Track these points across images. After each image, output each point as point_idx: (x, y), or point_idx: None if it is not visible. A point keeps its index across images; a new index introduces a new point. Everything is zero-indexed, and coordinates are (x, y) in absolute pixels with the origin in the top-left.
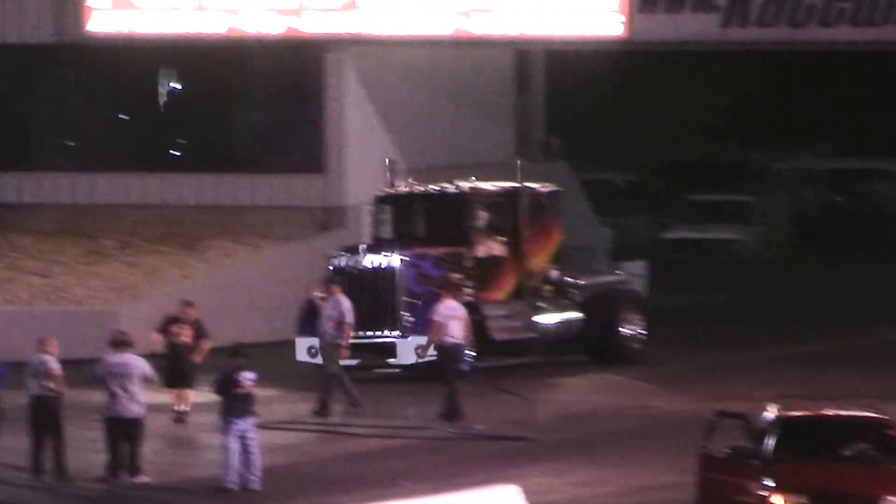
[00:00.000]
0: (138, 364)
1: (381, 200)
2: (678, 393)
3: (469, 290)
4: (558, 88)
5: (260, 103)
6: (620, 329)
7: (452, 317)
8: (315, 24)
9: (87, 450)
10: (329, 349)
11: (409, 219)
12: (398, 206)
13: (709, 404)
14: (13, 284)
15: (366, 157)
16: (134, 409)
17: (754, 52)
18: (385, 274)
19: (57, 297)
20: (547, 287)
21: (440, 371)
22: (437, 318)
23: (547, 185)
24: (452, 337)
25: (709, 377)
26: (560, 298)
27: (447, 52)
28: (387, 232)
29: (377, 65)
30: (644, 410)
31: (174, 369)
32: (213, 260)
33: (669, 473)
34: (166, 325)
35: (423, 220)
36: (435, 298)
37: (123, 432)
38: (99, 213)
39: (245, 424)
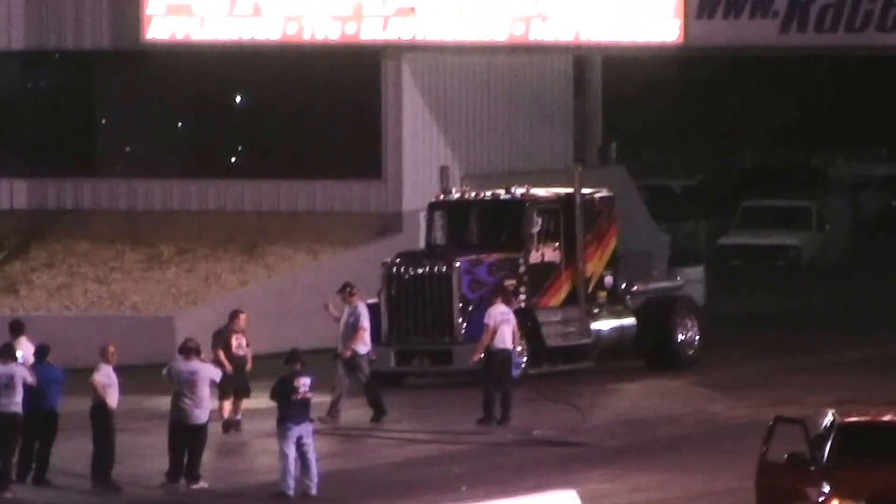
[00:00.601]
0: (206, 371)
1: (435, 207)
2: (736, 398)
3: (523, 297)
4: (617, 93)
5: (317, 109)
6: (675, 335)
7: (504, 321)
8: (372, 29)
9: (143, 456)
10: (355, 359)
11: (464, 225)
12: (452, 212)
13: (767, 409)
14: (71, 290)
15: (423, 163)
16: (201, 417)
17: (812, 57)
18: (440, 280)
19: (115, 303)
20: (601, 293)
21: (489, 376)
22: (490, 321)
23: (602, 190)
24: (503, 342)
25: (767, 383)
26: (615, 304)
27: (504, 58)
28: (441, 238)
29: (434, 70)
30: (702, 416)
31: (230, 379)
32: (272, 266)
33: (728, 479)
34: (220, 340)
35: (477, 227)
36: (489, 304)
37: (188, 439)
38: (157, 220)
39: (302, 430)
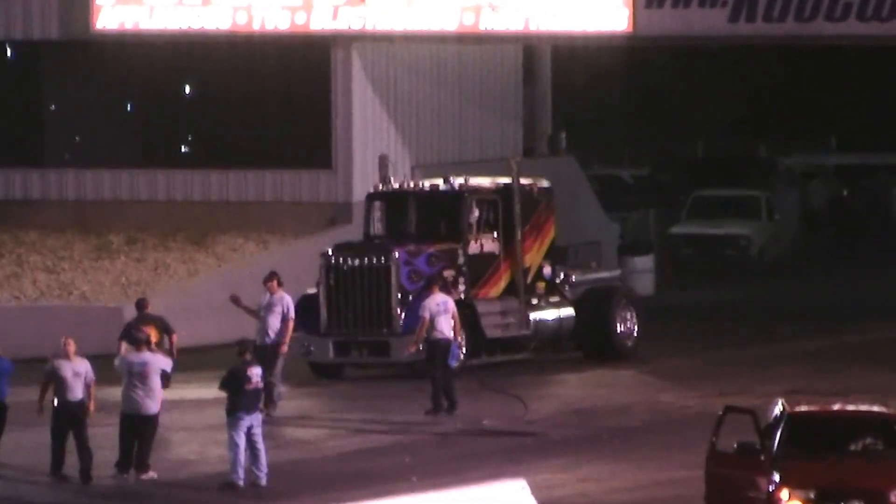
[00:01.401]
0: (158, 361)
1: (374, 197)
2: (686, 388)
3: (462, 287)
4: (566, 83)
5: (267, 98)
6: (614, 326)
7: (442, 312)
8: (322, 19)
9: (93, 447)
10: (271, 349)
11: (402, 215)
12: (391, 202)
13: (716, 400)
14: (20, 280)
15: (373, 153)
16: (152, 407)
17: (762, 46)
18: (378, 271)
19: (64, 293)
20: (540, 284)
21: (434, 367)
22: (424, 313)
23: (540, 180)
24: (441, 332)
25: (717, 373)
26: (553, 295)
27: (454, 47)
28: (380, 229)
29: (384, 60)
30: (652, 406)
31: None
32: (221, 256)
33: (678, 468)
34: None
35: (416, 217)
36: (425, 294)
37: (137, 429)
38: (106, 209)
39: (253, 419)
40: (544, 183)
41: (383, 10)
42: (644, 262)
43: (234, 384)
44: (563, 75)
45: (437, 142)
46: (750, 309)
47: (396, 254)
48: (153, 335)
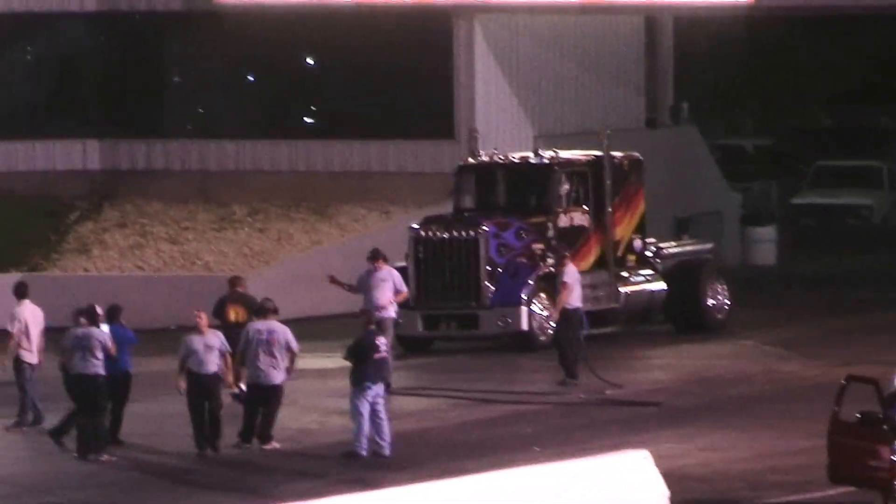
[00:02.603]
0: (283, 331)
1: (464, 170)
2: (808, 357)
3: (551, 261)
4: (689, 53)
5: (389, 69)
6: (705, 299)
7: (578, 280)
8: None
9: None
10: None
11: (492, 189)
12: (480, 175)
13: (839, 369)
14: (143, 251)
15: (495, 123)
16: (277, 377)
17: (884, 16)
18: (467, 244)
19: (187, 263)
20: (630, 257)
21: (566, 335)
22: (568, 279)
23: (630, 153)
24: (574, 302)
25: (839, 342)
26: (644, 268)
27: (576, 18)
28: (469, 202)
29: (506, 31)
30: (773, 375)
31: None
32: (344, 226)
33: (800, 438)
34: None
35: (506, 190)
36: (521, 267)
37: (263, 399)
38: (228, 180)
39: (378, 389)
40: (635, 155)
41: None
42: (766, 233)
43: (361, 353)
44: (685, 45)
45: (559, 112)
46: (873, 278)
47: (485, 227)
48: (242, 314)
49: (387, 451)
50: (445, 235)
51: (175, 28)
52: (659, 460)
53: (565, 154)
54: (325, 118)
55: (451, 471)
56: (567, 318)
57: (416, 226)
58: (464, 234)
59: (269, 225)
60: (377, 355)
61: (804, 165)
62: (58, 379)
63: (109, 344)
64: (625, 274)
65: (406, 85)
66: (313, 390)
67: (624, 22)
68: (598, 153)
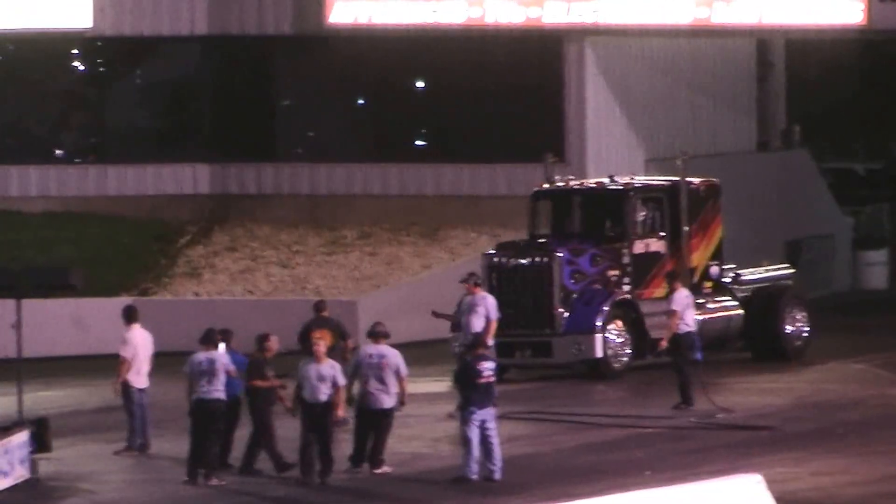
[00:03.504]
0: (394, 355)
1: (539, 196)
2: None
3: (627, 287)
4: (800, 76)
5: (499, 92)
6: (783, 326)
7: (689, 305)
8: (555, 14)
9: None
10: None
11: (567, 214)
12: (556, 201)
13: None
14: (254, 274)
15: (606, 146)
16: (388, 402)
17: None
18: (540, 271)
19: (297, 287)
20: (707, 283)
21: (680, 360)
22: (676, 307)
23: (707, 178)
24: (687, 325)
25: None
26: (721, 294)
27: (687, 41)
28: (544, 228)
29: (616, 54)
30: (885, 399)
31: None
32: (454, 249)
33: None
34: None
35: (581, 216)
36: (596, 294)
37: (373, 423)
38: (338, 203)
39: (485, 414)
40: (713, 181)
41: (616, 3)
42: (878, 256)
43: (466, 379)
44: (797, 68)
45: (670, 135)
46: None
47: (559, 253)
48: (328, 339)
49: (497, 476)
50: (519, 262)
51: (285, 51)
52: (771, 485)
53: (641, 179)
54: (435, 141)
55: (561, 495)
56: (677, 343)
57: (490, 252)
58: (537, 259)
59: (379, 249)
60: (480, 380)
61: None
62: (168, 403)
63: (232, 367)
64: (701, 300)
65: (516, 108)
66: (424, 415)
67: (735, 45)
68: (675, 178)
